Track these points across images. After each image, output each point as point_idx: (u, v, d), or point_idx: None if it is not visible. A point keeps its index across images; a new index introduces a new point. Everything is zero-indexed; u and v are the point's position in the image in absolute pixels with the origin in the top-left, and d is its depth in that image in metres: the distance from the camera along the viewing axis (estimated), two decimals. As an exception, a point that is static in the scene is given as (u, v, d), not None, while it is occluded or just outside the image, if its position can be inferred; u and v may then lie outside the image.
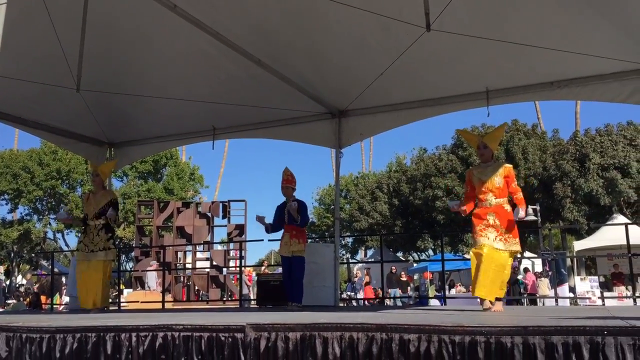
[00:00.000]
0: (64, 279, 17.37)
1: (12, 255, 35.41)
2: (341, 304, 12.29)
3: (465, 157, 25.00)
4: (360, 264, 27.78)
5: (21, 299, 15.59)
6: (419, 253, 29.57)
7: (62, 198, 34.37)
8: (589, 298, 15.26)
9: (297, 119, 9.10)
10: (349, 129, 9.01)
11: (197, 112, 8.79)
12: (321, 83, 8.04)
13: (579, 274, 21.06)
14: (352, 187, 36.47)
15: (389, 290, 19.44)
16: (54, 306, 14.18)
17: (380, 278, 11.60)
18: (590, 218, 22.63)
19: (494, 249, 5.45)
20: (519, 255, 7.05)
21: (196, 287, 16.89)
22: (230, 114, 8.90)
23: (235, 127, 9.62)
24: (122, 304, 12.10)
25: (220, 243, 18.73)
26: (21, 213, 35.61)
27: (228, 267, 17.10)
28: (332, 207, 33.66)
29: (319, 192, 40.42)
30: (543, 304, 13.68)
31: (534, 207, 19.38)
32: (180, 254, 17.51)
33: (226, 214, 17.34)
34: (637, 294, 10.40)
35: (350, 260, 34.75)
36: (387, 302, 17.63)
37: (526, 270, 18.73)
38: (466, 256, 24.97)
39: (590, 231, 21.77)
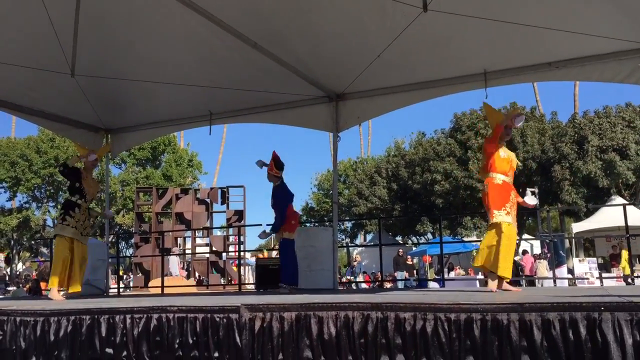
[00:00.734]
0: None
1: (12, 242, 35.46)
2: (341, 288, 12.33)
3: (464, 140, 24.95)
4: (359, 249, 27.85)
5: (21, 285, 15.61)
6: (417, 237, 29.62)
7: (60, 185, 34.33)
8: (587, 279, 15.30)
9: (294, 103, 9.05)
10: (346, 113, 8.97)
11: (193, 97, 8.73)
12: (318, 66, 7.98)
13: (577, 256, 21.11)
14: (350, 172, 36.46)
15: (396, 273, 19.40)
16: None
17: (379, 262, 11.61)
18: (589, 200, 22.65)
19: (514, 228, 5.58)
20: (517, 238, 7.03)
21: (196, 273, 16.93)
22: (226, 99, 8.85)
23: (232, 111, 9.57)
24: (149, 289, 12.15)
25: (219, 228, 18.74)
26: (20, 201, 35.64)
27: (228, 252, 17.11)
28: (331, 192, 33.66)
29: (318, 177, 40.42)
30: (542, 285, 13.72)
31: (533, 189, 19.35)
32: (179, 240, 17.53)
33: (225, 199, 17.33)
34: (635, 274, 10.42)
35: (350, 245, 34.84)
36: (387, 285, 17.66)
37: (524, 252, 18.75)
38: (465, 239, 25.05)
39: (589, 213, 21.78)
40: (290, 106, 9.14)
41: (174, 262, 16.01)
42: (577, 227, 20.58)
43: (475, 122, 25.09)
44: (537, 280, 14.83)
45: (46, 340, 2.72)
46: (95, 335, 2.67)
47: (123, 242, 34.29)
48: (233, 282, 15.62)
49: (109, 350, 2.67)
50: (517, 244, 19.13)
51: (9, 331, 2.85)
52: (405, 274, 19.36)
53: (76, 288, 7.19)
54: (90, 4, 6.19)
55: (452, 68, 7.91)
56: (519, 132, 23.60)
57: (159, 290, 11.02)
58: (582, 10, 6.29)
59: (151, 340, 2.59)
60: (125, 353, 2.65)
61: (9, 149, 33.80)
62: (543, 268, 15.64)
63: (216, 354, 2.52)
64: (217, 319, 2.57)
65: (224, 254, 16.78)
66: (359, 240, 35.85)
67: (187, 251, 17.33)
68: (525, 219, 24.61)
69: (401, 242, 29.12)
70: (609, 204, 19.20)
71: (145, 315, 2.67)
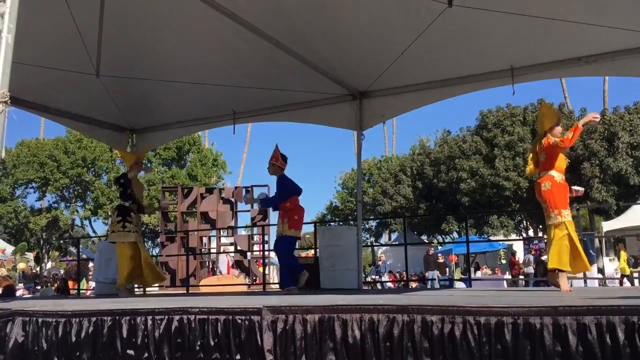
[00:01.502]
0: (90, 264, 17.60)
1: (42, 242, 36.07)
2: (365, 287, 12.24)
3: (490, 138, 24.63)
4: (384, 248, 27.70)
5: (49, 284, 15.85)
6: (443, 236, 29.35)
7: (87, 185, 34.84)
8: (618, 279, 14.98)
9: (318, 101, 8.99)
10: (370, 111, 8.88)
11: (216, 96, 8.73)
12: (341, 64, 7.91)
13: (607, 255, 20.72)
14: (375, 171, 36.28)
15: (427, 272, 19.14)
16: (81, 291, 14.37)
17: (405, 261, 11.50)
18: (619, 198, 22.18)
19: None
20: (545, 237, 7.13)
21: (221, 272, 16.97)
22: (250, 98, 8.83)
23: (256, 110, 9.55)
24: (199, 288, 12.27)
25: (244, 227, 18.77)
26: (49, 201, 36.26)
27: (252, 251, 17.12)
28: (355, 190, 33.53)
29: (342, 176, 40.31)
30: (571, 285, 13.46)
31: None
32: (205, 239, 17.59)
33: (249, 198, 17.31)
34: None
35: (374, 244, 34.70)
36: (413, 284, 17.49)
37: (553, 251, 18.43)
38: (492, 238, 24.75)
39: (619, 211, 21.35)
40: (314, 104, 9.08)
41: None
42: (607, 225, 20.21)
43: (502, 119, 24.75)
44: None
45: (67, 341, 2.70)
46: (117, 337, 2.64)
47: (149, 242, 34.62)
48: (258, 282, 15.62)
49: (130, 352, 2.64)
50: (545, 243, 18.88)
51: (31, 332, 2.84)
52: (437, 273, 19.04)
53: (159, 279, 8.30)
54: (115, 5, 6.22)
55: (478, 64, 7.77)
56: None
57: (210, 289, 11.06)
58: (612, 3, 6.12)
59: (172, 342, 2.56)
60: (146, 355, 2.61)
61: (38, 150, 34.41)
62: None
63: (238, 357, 2.47)
64: (239, 321, 2.52)
65: (248, 253, 16.80)
66: (384, 239, 35.67)
67: (212, 250, 17.38)
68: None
69: (426, 241, 28.89)
70: (640, 201, 18.80)
71: (166, 317, 2.63)
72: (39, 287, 18.23)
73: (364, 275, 16.85)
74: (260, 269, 16.93)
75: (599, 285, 12.83)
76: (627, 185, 22.09)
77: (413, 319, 2.28)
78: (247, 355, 2.47)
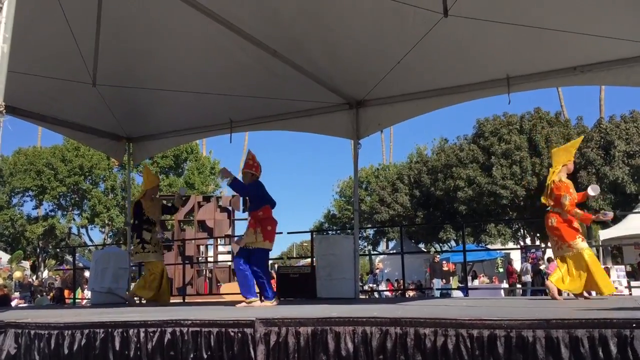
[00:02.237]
0: (86, 274, 17.53)
1: (38, 250, 35.94)
2: (363, 296, 12.21)
3: (487, 146, 24.67)
4: (381, 256, 27.65)
5: (44, 293, 15.79)
6: (440, 244, 29.32)
7: (84, 193, 34.76)
8: (616, 288, 14.94)
9: (315, 110, 9.00)
10: (367, 120, 8.89)
11: (213, 104, 8.73)
12: (338, 73, 7.92)
13: (605, 264, 20.68)
14: (372, 179, 36.30)
15: (433, 280, 18.95)
16: (77, 300, 14.31)
17: (402, 269, 11.47)
18: (616, 207, 22.18)
19: None
20: (542, 245, 7.38)
21: (218, 281, 16.91)
22: (246, 107, 8.83)
23: (252, 119, 9.55)
24: (222, 296, 12.25)
25: (241, 236, 18.72)
26: (46, 209, 36.14)
27: (249, 260, 17.08)
28: (353, 198, 33.63)
29: (340, 184, 40.33)
30: (568, 294, 13.43)
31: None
32: (202, 248, 17.53)
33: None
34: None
35: (372, 252, 34.65)
36: (410, 293, 17.44)
37: (550, 260, 18.43)
38: (489, 247, 24.74)
39: (616, 220, 21.33)
40: (311, 113, 9.09)
41: None
42: (605, 234, 20.19)
43: (499, 127, 24.79)
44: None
45: (60, 353, 2.69)
46: (109, 349, 2.63)
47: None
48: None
49: (123, 364, 2.63)
50: (543, 251, 18.89)
51: (24, 344, 2.82)
52: (442, 282, 18.83)
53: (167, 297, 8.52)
54: (111, 15, 6.23)
55: (474, 74, 7.79)
56: (544, 137, 23.28)
57: (231, 297, 11.01)
58: (607, 13, 6.15)
59: (165, 354, 2.54)
60: (139, 367, 2.60)
61: (35, 158, 34.34)
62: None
63: (231, 369, 2.46)
64: (232, 334, 2.51)
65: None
66: (381, 247, 35.63)
67: (209, 259, 17.32)
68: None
69: (424, 249, 28.85)
70: (637, 210, 18.80)
71: (159, 329, 2.62)
72: (38, 296, 18.15)
73: (361, 284, 16.81)
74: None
75: (596, 294, 12.78)
76: (623, 193, 22.11)
77: (406, 332, 2.27)
78: (240, 368, 2.46)
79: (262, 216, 6.41)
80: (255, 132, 10.54)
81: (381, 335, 2.29)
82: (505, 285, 19.34)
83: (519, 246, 24.94)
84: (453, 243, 28.35)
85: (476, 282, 20.43)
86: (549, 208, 6.41)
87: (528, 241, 26.24)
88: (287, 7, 6.35)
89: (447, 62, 7.48)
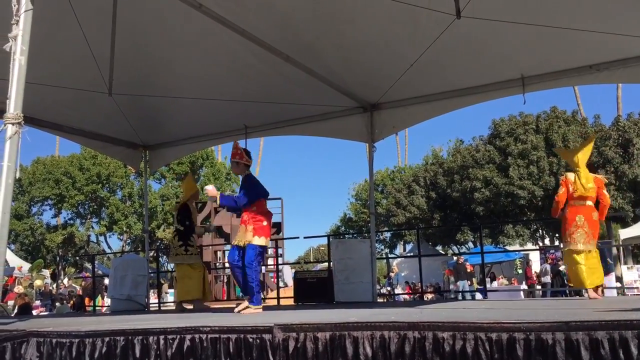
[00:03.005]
0: (106, 281, 17.68)
1: (58, 259, 36.32)
2: (380, 300, 12.18)
3: (503, 147, 24.51)
4: (398, 260, 27.56)
5: (64, 301, 15.96)
6: (458, 246, 29.15)
7: (102, 201, 35.10)
8: (637, 287, 14.79)
9: (329, 115, 9.01)
10: (381, 123, 8.88)
11: (228, 111, 8.77)
12: (351, 77, 7.93)
13: (625, 263, 20.45)
14: (388, 182, 36.22)
15: (458, 282, 18.76)
16: (97, 308, 14.44)
17: (419, 272, 11.44)
18: (636, 205, 21.92)
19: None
20: (561, 245, 7.46)
21: (236, 286, 16.98)
22: (261, 112, 8.86)
23: (267, 124, 9.58)
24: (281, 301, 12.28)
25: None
26: (64, 218, 36.52)
27: (266, 265, 17.14)
28: (369, 202, 33.56)
29: (355, 187, 40.30)
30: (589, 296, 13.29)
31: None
32: (219, 254, 17.63)
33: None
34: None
35: (389, 255, 34.55)
36: (428, 296, 17.34)
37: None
38: (507, 248, 24.54)
39: (637, 218, 21.10)
40: (325, 118, 9.11)
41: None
42: (625, 233, 19.98)
43: (515, 127, 24.62)
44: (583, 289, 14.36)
45: (81, 361, 2.73)
46: (130, 357, 2.65)
47: (164, 256, 34.76)
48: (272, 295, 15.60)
49: (144, 371, 2.65)
50: (562, 252, 18.72)
51: (46, 353, 2.86)
52: (467, 284, 18.62)
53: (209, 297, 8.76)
54: (126, 24, 6.29)
55: (488, 74, 7.76)
56: (561, 137, 23.08)
57: (274, 302, 11.08)
58: (623, 10, 6.08)
59: (185, 361, 2.57)
60: (159, 374, 2.62)
61: (53, 167, 34.75)
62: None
63: (250, 375, 2.48)
64: (250, 340, 2.52)
65: (263, 267, 16.81)
66: (398, 250, 35.52)
67: (226, 264, 17.38)
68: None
69: (442, 251, 28.72)
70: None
71: (178, 336, 2.64)
72: (57, 304, 18.33)
73: (378, 287, 16.76)
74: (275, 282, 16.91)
75: (617, 294, 12.65)
76: (643, 191, 21.85)
77: (424, 336, 2.27)
78: (260, 374, 2.47)
79: (255, 211, 5.95)
80: (270, 137, 10.56)
81: (399, 340, 2.29)
82: (524, 286, 19.18)
83: (537, 247, 24.73)
84: (471, 245, 28.17)
85: (495, 284, 20.27)
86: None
87: (547, 242, 26.01)
88: (300, 13, 6.37)
89: (461, 64, 7.45)
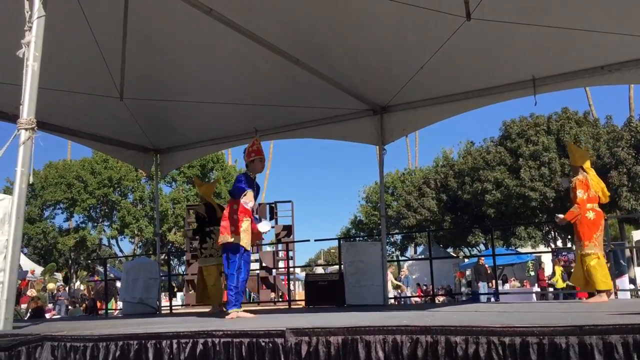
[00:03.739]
0: (118, 284, 17.77)
1: (70, 262, 36.55)
2: (391, 302, 12.14)
3: (514, 148, 24.40)
4: (408, 262, 27.48)
5: (77, 305, 16.07)
6: (469, 248, 29.03)
7: (114, 205, 35.30)
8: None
9: (338, 117, 9.02)
10: (391, 125, 8.87)
11: (238, 114, 8.81)
12: (361, 80, 7.94)
13: (639, 265, 20.27)
14: (398, 184, 36.12)
15: (479, 283, 18.53)
16: (109, 311, 14.51)
17: (430, 275, 11.41)
18: (649, 206, 21.72)
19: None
20: (574, 247, 7.37)
21: (247, 289, 17.00)
22: (271, 115, 8.89)
23: (277, 128, 9.60)
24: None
25: (268, 244, 18.81)
26: (76, 221, 36.75)
27: (277, 268, 17.14)
28: (379, 204, 33.48)
29: (365, 190, 40.21)
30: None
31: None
32: (230, 257, 17.63)
33: (273, 215, 17.38)
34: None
35: (400, 258, 34.46)
36: (440, 299, 17.26)
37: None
38: (519, 250, 24.40)
39: (650, 220, 20.90)
40: (335, 120, 9.12)
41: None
42: (638, 234, 19.79)
43: (525, 129, 24.50)
44: (596, 291, 14.26)
45: (95, 365, 2.75)
46: (143, 361, 2.68)
47: (175, 260, 34.88)
48: (284, 298, 15.61)
49: (157, 375, 2.67)
50: (575, 254, 18.59)
51: (60, 357, 2.88)
52: (487, 285, 18.37)
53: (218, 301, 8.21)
54: (137, 29, 6.34)
55: (499, 76, 7.74)
56: (572, 138, 22.94)
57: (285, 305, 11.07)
58: (635, 11, 6.04)
59: (197, 365, 2.58)
60: (172, 378, 2.64)
61: (65, 171, 34.98)
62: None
63: (263, 379, 2.48)
64: (263, 344, 2.53)
65: (273, 270, 16.81)
66: (409, 252, 35.42)
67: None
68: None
69: (453, 254, 28.61)
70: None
71: (191, 340, 2.65)
72: (70, 307, 18.43)
73: (389, 290, 16.70)
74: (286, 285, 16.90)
75: (631, 296, 12.55)
76: (656, 193, 21.64)
77: (437, 340, 2.27)
78: (272, 378, 2.48)
79: (235, 209, 5.64)
80: (281, 140, 10.56)
81: (412, 344, 2.29)
82: (537, 288, 19.06)
83: (550, 249, 24.58)
84: (482, 247, 28.06)
85: (507, 286, 20.16)
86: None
87: (559, 243, 25.85)
88: (309, 16, 6.39)
89: (472, 65, 7.44)
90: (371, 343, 2.32)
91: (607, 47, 6.71)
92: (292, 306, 11.12)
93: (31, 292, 17.92)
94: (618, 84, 7.65)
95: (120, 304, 16.01)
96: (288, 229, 17.18)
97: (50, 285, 21.53)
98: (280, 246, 17.41)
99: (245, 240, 5.50)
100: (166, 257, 20.61)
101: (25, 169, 3.86)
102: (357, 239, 34.97)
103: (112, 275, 21.61)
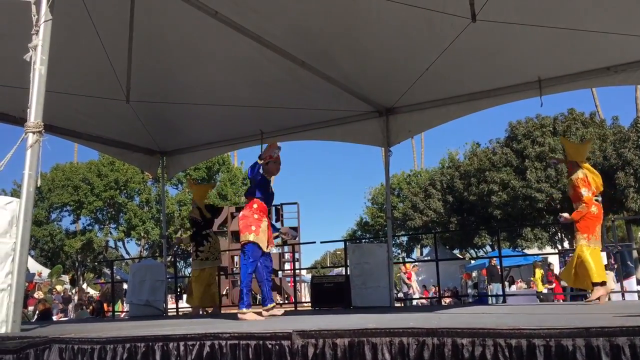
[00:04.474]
0: (125, 286, 17.82)
1: (77, 264, 36.68)
2: (398, 304, 12.14)
3: (520, 149, 24.33)
4: (415, 263, 27.44)
5: (84, 307, 16.13)
6: (476, 250, 28.94)
7: (120, 207, 35.41)
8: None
9: (344, 119, 9.03)
10: (397, 127, 8.88)
11: (244, 117, 8.83)
12: (366, 81, 7.95)
13: (646, 266, 20.13)
14: (404, 186, 36.08)
15: (491, 285, 18.46)
16: (116, 313, 14.55)
17: (437, 276, 11.39)
18: (657, 207, 21.61)
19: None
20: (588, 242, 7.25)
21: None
22: (276, 117, 8.91)
23: (283, 130, 9.62)
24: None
25: (275, 247, 18.84)
26: (83, 223, 36.88)
27: (283, 270, 17.18)
28: (385, 206, 33.40)
29: (371, 191, 40.17)
30: (609, 299, 13.14)
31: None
32: (236, 258, 17.69)
33: (279, 217, 17.43)
34: None
35: (406, 260, 34.42)
36: (446, 300, 17.22)
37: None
38: (526, 251, 24.31)
39: (657, 221, 20.77)
40: (340, 122, 9.13)
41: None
42: (645, 235, 19.65)
43: (532, 130, 24.43)
44: (592, 284, 14.18)
45: (102, 368, 2.76)
46: (150, 363, 2.69)
47: (182, 262, 34.93)
48: (290, 300, 15.63)
49: (164, 378, 2.68)
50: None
51: (68, 359, 2.90)
52: (500, 286, 18.24)
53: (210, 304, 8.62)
54: (143, 32, 6.36)
55: (505, 77, 7.73)
56: (579, 139, 22.86)
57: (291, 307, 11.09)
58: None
59: (204, 367, 2.59)
60: (179, 380, 2.65)
61: (72, 173, 35.12)
62: (610, 280, 14.96)
63: (270, 381, 2.49)
64: (270, 346, 2.53)
65: (279, 272, 16.85)
66: (415, 254, 35.36)
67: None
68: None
69: (459, 255, 28.54)
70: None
71: (198, 343, 2.66)
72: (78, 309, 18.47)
73: (395, 291, 16.69)
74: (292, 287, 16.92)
75: (638, 298, 12.49)
76: (663, 193, 21.53)
77: (443, 342, 2.27)
78: (279, 380, 2.48)
79: (255, 208, 5.60)
80: (286, 142, 10.57)
81: (418, 346, 2.29)
82: (545, 290, 18.97)
83: (556, 250, 24.48)
84: (488, 248, 27.97)
85: (514, 288, 20.09)
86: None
87: (566, 245, 25.75)
88: (314, 19, 6.40)
89: (477, 67, 7.44)
90: (377, 345, 2.33)
91: (613, 47, 6.70)
92: (298, 308, 11.13)
93: (38, 295, 17.99)
94: (624, 85, 7.63)
95: (126, 306, 16.08)
96: (294, 231, 17.19)
97: (58, 288, 21.61)
98: (286, 248, 17.46)
99: (263, 241, 5.49)
100: (172, 259, 20.65)
101: (32, 172, 3.88)
102: (363, 240, 34.96)
103: (118, 277, 21.66)
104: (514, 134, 25.22)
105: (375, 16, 6.30)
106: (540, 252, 24.44)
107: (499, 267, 18.21)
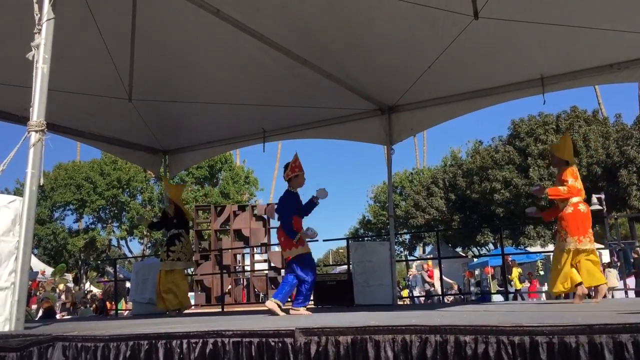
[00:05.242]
0: (127, 284, 17.84)
1: (80, 263, 36.75)
2: (400, 302, 12.14)
3: (523, 147, 24.31)
4: (418, 262, 27.43)
5: (87, 305, 16.16)
6: (478, 248, 28.94)
7: (123, 206, 35.45)
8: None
9: (346, 117, 9.03)
10: (399, 125, 8.88)
11: (246, 115, 8.84)
12: (368, 80, 7.94)
13: (649, 264, 20.10)
14: (406, 184, 36.07)
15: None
16: (119, 312, 14.58)
17: (439, 274, 11.38)
18: (659, 205, 21.59)
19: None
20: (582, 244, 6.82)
21: (256, 289, 17.02)
22: (279, 116, 8.91)
23: (285, 128, 9.63)
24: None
25: (277, 244, 18.82)
26: (86, 222, 36.96)
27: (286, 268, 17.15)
28: (387, 204, 33.35)
29: (374, 189, 40.16)
30: (612, 296, 13.13)
31: (599, 195, 18.65)
32: (239, 257, 17.67)
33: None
34: None
35: (409, 258, 34.41)
36: (449, 298, 17.22)
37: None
38: (528, 249, 24.30)
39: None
40: (343, 120, 9.13)
41: None
42: (648, 233, 19.64)
43: (534, 128, 24.41)
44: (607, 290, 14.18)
45: (106, 365, 2.77)
46: (153, 360, 2.69)
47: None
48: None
49: (167, 375, 2.68)
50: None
51: (71, 357, 2.90)
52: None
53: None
54: (145, 31, 6.37)
55: (507, 75, 7.72)
56: (582, 136, 22.84)
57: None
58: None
59: (207, 365, 2.59)
60: (182, 378, 2.65)
61: (74, 172, 35.19)
62: (613, 277, 14.95)
63: (273, 379, 2.49)
64: (272, 343, 2.53)
65: (282, 270, 16.82)
66: (418, 252, 35.35)
67: (246, 267, 17.45)
68: (593, 227, 23.66)
69: (462, 253, 28.53)
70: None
71: (201, 340, 2.66)
72: (80, 307, 18.52)
73: (398, 289, 16.70)
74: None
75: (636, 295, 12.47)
76: (667, 191, 21.51)
77: (446, 340, 2.26)
78: (282, 377, 2.49)
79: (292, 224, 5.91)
80: (288, 140, 10.58)
81: (421, 344, 2.29)
82: (545, 289, 18.96)
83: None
84: (491, 246, 27.97)
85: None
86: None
87: (568, 242, 25.68)
88: (316, 17, 6.40)
89: (480, 65, 7.43)
90: (380, 343, 2.32)
91: (616, 45, 6.68)
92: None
93: (41, 293, 18.03)
94: (628, 82, 7.62)
95: (130, 305, 16.10)
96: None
97: (61, 286, 21.66)
98: (288, 246, 17.40)
99: (307, 247, 5.92)
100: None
101: (35, 170, 3.89)
102: (366, 238, 34.95)
103: (121, 275, 21.69)
104: (516, 131, 25.23)
105: (377, 14, 6.30)
106: (543, 249, 24.42)
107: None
